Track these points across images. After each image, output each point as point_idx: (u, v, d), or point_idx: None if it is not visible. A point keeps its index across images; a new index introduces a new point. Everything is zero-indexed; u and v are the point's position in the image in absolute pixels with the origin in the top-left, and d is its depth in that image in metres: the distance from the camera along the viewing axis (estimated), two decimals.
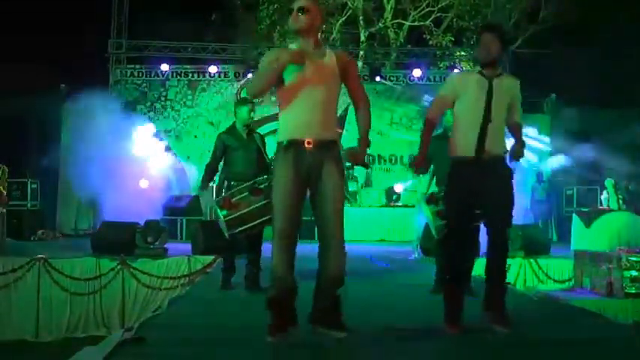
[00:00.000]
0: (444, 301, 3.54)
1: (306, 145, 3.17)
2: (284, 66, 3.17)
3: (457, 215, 3.55)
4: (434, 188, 5.22)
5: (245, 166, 5.13)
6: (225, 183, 5.25)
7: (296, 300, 3.23)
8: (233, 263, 5.30)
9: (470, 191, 3.47)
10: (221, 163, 5.33)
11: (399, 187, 12.54)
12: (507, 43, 3.71)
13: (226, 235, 4.95)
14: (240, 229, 4.82)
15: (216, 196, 5.28)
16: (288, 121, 3.25)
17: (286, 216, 3.15)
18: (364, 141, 3.32)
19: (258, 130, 5.64)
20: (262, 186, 4.74)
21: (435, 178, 5.23)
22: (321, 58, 3.27)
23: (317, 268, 3.24)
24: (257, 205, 4.69)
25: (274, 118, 7.21)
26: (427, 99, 13.90)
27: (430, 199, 5.02)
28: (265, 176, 4.83)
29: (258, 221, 4.74)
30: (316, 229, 3.24)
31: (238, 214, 4.78)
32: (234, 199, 4.83)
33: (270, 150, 4.46)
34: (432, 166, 5.22)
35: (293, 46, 3.33)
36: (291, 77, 3.22)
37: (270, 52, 3.41)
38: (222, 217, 4.86)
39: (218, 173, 5.46)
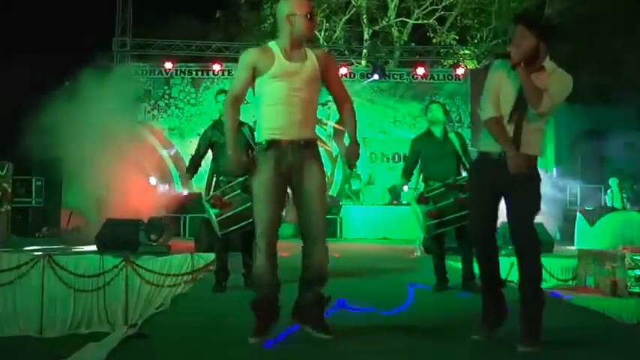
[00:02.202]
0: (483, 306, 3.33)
1: (287, 145, 3.15)
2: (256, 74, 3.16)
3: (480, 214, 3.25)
4: (421, 185, 5.22)
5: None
6: (214, 179, 5.09)
7: (279, 296, 3.27)
8: (226, 266, 5.14)
9: (495, 188, 3.19)
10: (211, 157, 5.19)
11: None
12: (547, 35, 3.11)
13: (219, 234, 4.83)
14: (233, 228, 4.71)
15: (206, 192, 5.06)
16: (268, 122, 3.21)
17: (268, 216, 3.16)
18: (355, 143, 3.29)
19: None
20: None
21: (422, 174, 5.23)
22: (303, 60, 3.22)
23: (301, 267, 3.26)
24: (250, 203, 4.63)
25: None
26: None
27: (420, 199, 5.00)
28: None
29: (252, 219, 4.67)
30: (300, 226, 3.25)
31: (231, 213, 4.65)
32: (225, 198, 4.68)
33: None
34: (419, 163, 5.23)
35: (275, 45, 3.25)
36: (271, 78, 3.18)
37: (248, 54, 3.24)
38: (213, 216, 4.72)
39: (207, 168, 5.30)
